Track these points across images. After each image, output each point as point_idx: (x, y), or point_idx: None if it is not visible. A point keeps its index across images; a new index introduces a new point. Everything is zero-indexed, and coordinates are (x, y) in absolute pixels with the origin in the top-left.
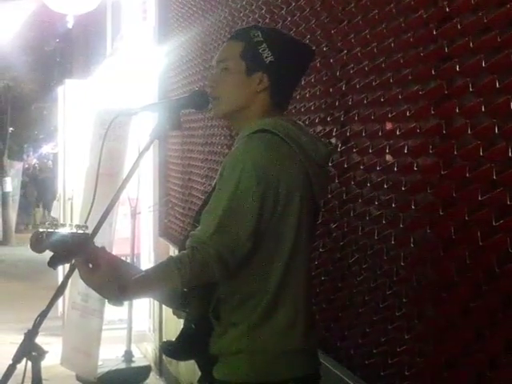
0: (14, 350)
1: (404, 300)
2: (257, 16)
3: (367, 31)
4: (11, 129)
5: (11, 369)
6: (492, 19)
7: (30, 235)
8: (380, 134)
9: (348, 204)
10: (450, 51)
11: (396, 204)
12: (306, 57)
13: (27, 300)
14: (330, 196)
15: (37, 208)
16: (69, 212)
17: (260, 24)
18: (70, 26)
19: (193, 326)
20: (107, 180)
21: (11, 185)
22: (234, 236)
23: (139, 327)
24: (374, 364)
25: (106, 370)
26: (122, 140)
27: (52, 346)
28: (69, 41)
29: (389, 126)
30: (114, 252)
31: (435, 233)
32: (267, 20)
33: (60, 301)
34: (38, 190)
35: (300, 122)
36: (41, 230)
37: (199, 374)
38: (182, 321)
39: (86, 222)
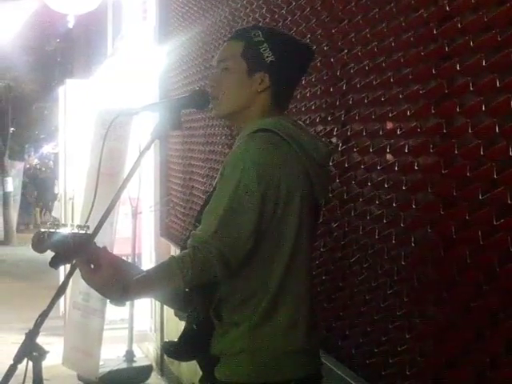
0: (15, 349)
1: (405, 299)
2: (257, 15)
3: (368, 30)
4: (12, 129)
5: (12, 369)
6: (492, 18)
7: (31, 235)
8: (380, 133)
9: (349, 203)
10: (450, 50)
11: (397, 203)
12: (307, 56)
13: (28, 300)
14: (330, 195)
15: (37, 208)
16: (70, 212)
17: (260, 23)
18: (70, 25)
19: (194, 326)
20: (108, 180)
21: (12, 185)
22: (235, 235)
23: (140, 327)
24: (375, 363)
25: (107, 369)
26: (122, 140)
27: (53, 346)
28: (70, 41)
29: (389, 125)
30: (115, 252)
31: (436, 232)
32: (267, 19)
33: (61, 300)
34: (38, 190)
35: (300, 122)
36: (42, 230)
37: (201, 373)
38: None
39: (86, 222)
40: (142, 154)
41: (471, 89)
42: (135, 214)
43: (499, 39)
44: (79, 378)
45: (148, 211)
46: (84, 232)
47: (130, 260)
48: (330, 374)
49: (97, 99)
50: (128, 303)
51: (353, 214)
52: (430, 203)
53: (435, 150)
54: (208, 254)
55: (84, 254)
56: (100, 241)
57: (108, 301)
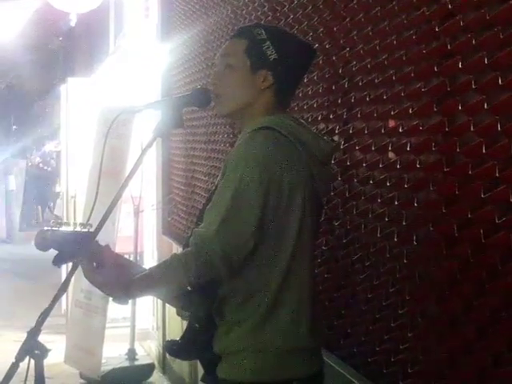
0: (17, 347)
1: (407, 298)
2: (259, 13)
3: (370, 28)
4: (14, 127)
5: (14, 367)
6: (495, 16)
7: (33, 233)
8: (383, 131)
9: (351, 201)
10: (452, 48)
11: (399, 201)
12: (309, 55)
13: (31, 298)
14: (332, 193)
15: (39, 206)
16: (72, 210)
17: (262, 21)
18: (72, 24)
19: (196, 325)
20: (110, 178)
21: (15, 183)
22: (237, 233)
23: (143, 325)
24: (376, 362)
25: (109, 367)
26: (124, 138)
27: (55, 344)
28: (72, 39)
29: (391, 123)
30: (117, 250)
31: (438, 230)
32: (269, 18)
33: (63, 298)
34: (38, 188)
35: (302, 120)
36: (45, 228)
37: (203, 372)
38: None
39: (88, 220)
40: (143, 152)
41: (473, 87)
42: (137, 213)
43: (501, 37)
44: (81, 376)
45: (150, 209)
46: (86, 230)
47: (131, 258)
48: (332, 372)
49: (99, 97)
50: (130, 301)
51: (355, 212)
52: (431, 201)
53: (437, 148)
54: (211, 252)
55: (86, 252)
56: (102, 239)
57: (110, 299)
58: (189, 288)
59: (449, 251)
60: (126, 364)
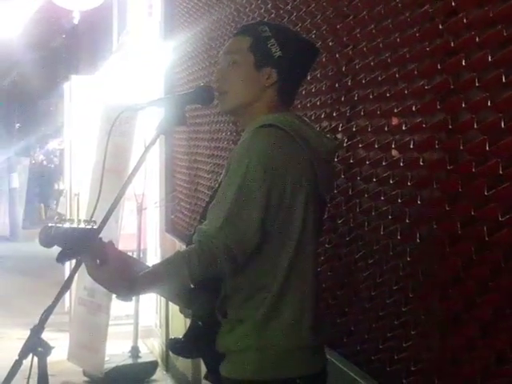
0: (20, 345)
1: (410, 295)
2: (262, 11)
3: (373, 26)
4: (18, 125)
5: (17, 364)
6: (498, 13)
7: (36, 231)
8: (386, 129)
9: (354, 199)
10: (455, 46)
11: (402, 199)
12: (312, 53)
13: (34, 295)
14: (335, 191)
15: (41, 204)
16: (75, 208)
17: (265, 19)
18: (76, 21)
19: (200, 323)
20: (113, 176)
21: (18, 181)
22: (241, 229)
23: (146, 323)
24: (380, 359)
25: (112, 365)
26: (127, 135)
27: (58, 342)
28: (75, 37)
29: (395, 121)
30: (120, 248)
31: (441, 228)
32: (273, 15)
33: (66, 296)
34: (40, 186)
35: (305, 118)
36: (49, 225)
37: (206, 370)
38: None
39: (91, 218)
40: (147, 149)
41: (477, 84)
42: (140, 210)
43: (505, 34)
44: (84, 373)
45: (153, 207)
46: (90, 227)
47: (135, 256)
48: (335, 370)
49: (102, 95)
50: (133, 299)
51: (358, 209)
52: (435, 199)
53: (440, 145)
54: (214, 249)
55: (90, 249)
56: (105, 237)
57: (114, 296)
58: (192, 285)
59: (452, 249)
60: (129, 361)
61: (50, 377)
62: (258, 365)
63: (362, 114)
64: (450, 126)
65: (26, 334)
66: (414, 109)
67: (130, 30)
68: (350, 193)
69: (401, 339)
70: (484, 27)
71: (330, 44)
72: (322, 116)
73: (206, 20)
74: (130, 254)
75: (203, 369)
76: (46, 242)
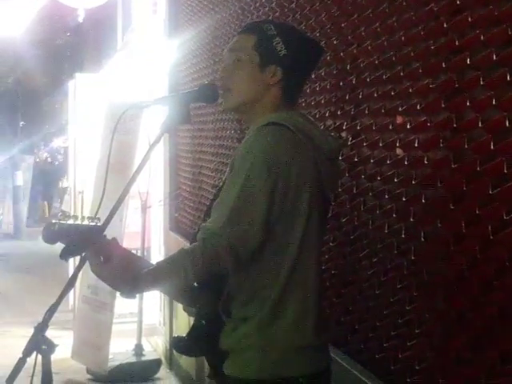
0: (24, 343)
1: (414, 294)
2: (267, 9)
3: (377, 24)
4: (22, 123)
5: (21, 362)
6: (503, 12)
7: (40, 229)
8: (390, 127)
9: (358, 198)
10: (460, 44)
11: (406, 198)
12: (317, 52)
13: (38, 293)
14: (340, 190)
15: (45, 202)
16: (79, 205)
17: (270, 17)
18: (80, 19)
19: (203, 321)
20: (117, 173)
21: (22, 179)
22: (245, 227)
23: (150, 321)
24: (384, 358)
25: (116, 363)
26: (132, 133)
27: (62, 340)
28: (79, 34)
29: (399, 119)
30: (125, 246)
31: (446, 227)
32: (277, 13)
33: (70, 294)
34: (44, 184)
35: (310, 116)
36: (53, 221)
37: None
38: None
39: (96, 215)
40: (151, 147)
41: (482, 83)
42: (144, 208)
43: (510, 33)
44: (88, 371)
45: (157, 205)
46: (94, 224)
47: (139, 254)
48: (339, 368)
49: (107, 93)
50: (137, 296)
51: (362, 208)
52: (439, 198)
53: (445, 144)
54: (218, 246)
55: (94, 246)
56: (109, 235)
57: (118, 293)
58: (195, 284)
59: (456, 247)
60: (133, 359)
61: (53, 375)
62: (261, 363)
63: (367, 112)
64: (455, 125)
65: (29, 331)
66: (418, 107)
67: (134, 27)
68: (355, 191)
69: (405, 338)
70: (489, 26)
71: (335, 42)
72: (327, 114)
73: (210, 18)
74: (134, 252)
75: (207, 367)
76: (50, 238)
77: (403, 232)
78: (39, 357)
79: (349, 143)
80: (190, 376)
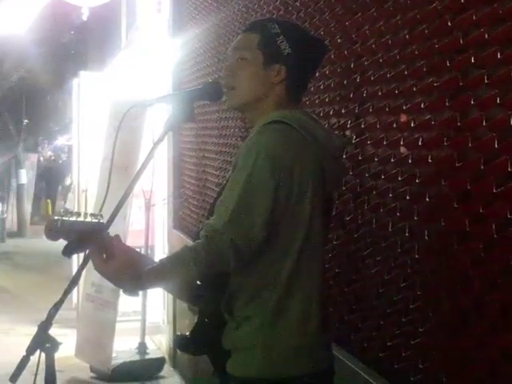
0: (28, 341)
1: (418, 293)
2: (271, 8)
3: (382, 23)
4: (26, 121)
5: (25, 360)
6: (507, 10)
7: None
8: (394, 126)
9: (362, 196)
10: (465, 43)
11: (410, 196)
12: (321, 50)
13: (42, 291)
14: (344, 188)
15: (48, 200)
16: (83, 204)
17: (274, 16)
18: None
19: (206, 320)
20: (121, 172)
21: (26, 177)
22: (248, 225)
23: (153, 319)
24: (387, 357)
25: (119, 361)
26: (136, 132)
27: (66, 338)
28: (84, 33)
29: (403, 118)
30: (128, 244)
31: (449, 225)
32: (281, 12)
33: (74, 292)
34: (47, 182)
35: (314, 115)
36: (55, 217)
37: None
38: None
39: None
40: (155, 146)
41: (486, 81)
42: (148, 207)
43: None
44: (92, 369)
45: (161, 204)
46: (97, 221)
47: (142, 252)
48: (342, 367)
49: (111, 91)
50: (141, 294)
51: (366, 206)
52: (443, 196)
53: (449, 143)
54: (221, 244)
55: (97, 243)
56: (113, 233)
57: (121, 291)
58: (198, 281)
59: (460, 246)
60: (137, 358)
61: (57, 373)
62: (264, 362)
63: (371, 110)
64: (459, 124)
65: (33, 329)
66: (422, 106)
67: (138, 26)
68: (359, 189)
69: (409, 337)
70: (493, 24)
71: (339, 41)
72: (331, 113)
73: (214, 17)
74: (137, 250)
75: (210, 366)
76: (52, 235)
77: (407, 230)
78: (43, 355)
79: (353, 141)
80: (194, 375)
